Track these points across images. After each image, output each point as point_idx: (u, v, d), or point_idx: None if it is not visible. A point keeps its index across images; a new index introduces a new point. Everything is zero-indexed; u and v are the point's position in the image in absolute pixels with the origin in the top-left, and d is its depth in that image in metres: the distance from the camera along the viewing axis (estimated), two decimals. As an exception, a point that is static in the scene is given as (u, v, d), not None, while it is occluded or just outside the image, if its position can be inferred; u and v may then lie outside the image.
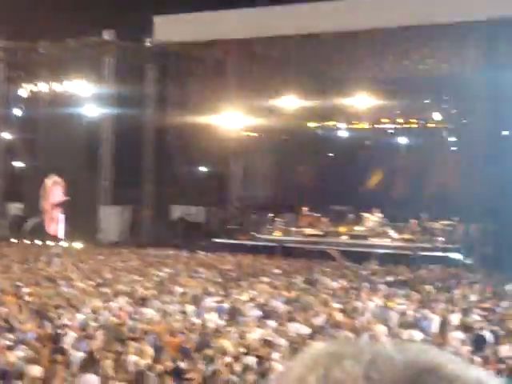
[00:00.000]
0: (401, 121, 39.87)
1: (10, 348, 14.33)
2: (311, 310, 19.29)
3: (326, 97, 37.22)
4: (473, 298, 21.87)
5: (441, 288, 24.00)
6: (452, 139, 39.90)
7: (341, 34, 35.45)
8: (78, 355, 13.69)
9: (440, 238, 35.67)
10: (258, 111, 40.09)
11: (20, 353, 14.10)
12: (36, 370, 12.68)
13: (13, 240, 42.85)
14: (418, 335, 15.73)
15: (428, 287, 23.87)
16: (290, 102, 39.03)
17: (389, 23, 34.30)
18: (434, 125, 38.82)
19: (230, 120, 40.24)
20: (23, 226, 45.05)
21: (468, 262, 32.28)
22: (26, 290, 22.25)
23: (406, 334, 15.81)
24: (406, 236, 36.86)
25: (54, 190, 43.38)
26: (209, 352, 14.16)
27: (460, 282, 25.63)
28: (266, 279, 26.07)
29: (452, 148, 39.68)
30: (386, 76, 37.11)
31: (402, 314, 18.61)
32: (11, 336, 15.59)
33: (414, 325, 17.42)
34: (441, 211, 36.14)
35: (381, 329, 16.50)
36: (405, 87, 35.53)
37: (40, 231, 43.31)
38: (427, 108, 38.31)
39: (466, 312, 18.96)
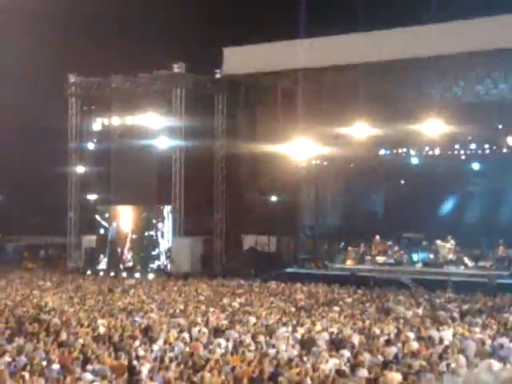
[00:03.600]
0: (473, 146, 39.32)
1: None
2: (385, 339, 19.03)
3: (397, 124, 36.91)
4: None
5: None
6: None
7: (411, 61, 35.21)
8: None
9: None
10: (328, 139, 39.95)
11: (97, 384, 14.23)
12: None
13: (88, 272, 43.55)
14: (496, 365, 15.33)
15: (506, 315, 23.34)
16: (361, 130, 38.81)
17: (460, 48, 33.97)
18: (507, 150, 38.19)
19: (301, 149, 40.19)
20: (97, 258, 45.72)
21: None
22: (101, 321, 22.47)
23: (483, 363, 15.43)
24: (482, 263, 36.22)
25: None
26: (283, 382, 14.07)
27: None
28: (338, 308, 25.86)
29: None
30: (457, 102, 36.70)
31: (480, 343, 18.20)
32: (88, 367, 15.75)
33: (492, 354, 17.03)
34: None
35: (459, 358, 16.16)
36: (477, 112, 35.07)
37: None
38: (500, 133, 37.73)
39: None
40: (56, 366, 15.82)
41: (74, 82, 47.21)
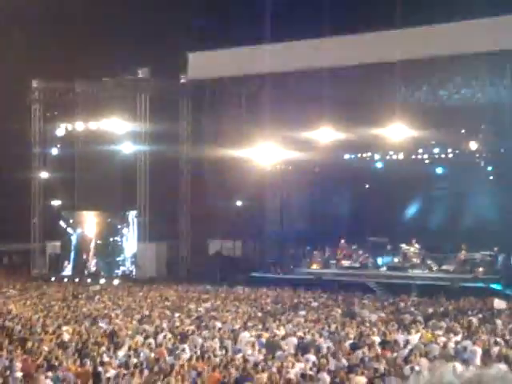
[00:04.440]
0: (437, 151, 39.60)
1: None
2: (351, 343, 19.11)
3: (362, 128, 37.04)
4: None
5: (482, 319, 23.64)
6: (489, 168, 39.53)
7: (375, 65, 35.42)
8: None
9: (480, 269, 35.23)
10: (293, 144, 40.02)
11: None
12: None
13: (52, 278, 43.22)
14: (459, 367, 15.41)
15: (469, 319, 23.52)
16: (325, 135, 38.93)
17: (422, 54, 34.27)
18: (470, 154, 38.50)
19: (266, 153, 40.23)
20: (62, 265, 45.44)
21: (509, 292, 31.77)
22: (66, 328, 22.32)
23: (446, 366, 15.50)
24: (446, 267, 36.48)
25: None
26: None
27: (502, 313, 25.21)
28: (304, 313, 25.91)
29: (490, 177, 39.33)
30: (421, 106, 36.92)
31: (444, 346, 18.33)
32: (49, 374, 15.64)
33: (456, 357, 17.15)
34: (480, 241, 35.69)
35: (422, 362, 16.27)
36: (440, 117, 35.32)
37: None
38: (463, 137, 38.02)
39: (508, 343, 18.66)
40: (19, 374, 15.70)
41: (37, 88, 46.88)
